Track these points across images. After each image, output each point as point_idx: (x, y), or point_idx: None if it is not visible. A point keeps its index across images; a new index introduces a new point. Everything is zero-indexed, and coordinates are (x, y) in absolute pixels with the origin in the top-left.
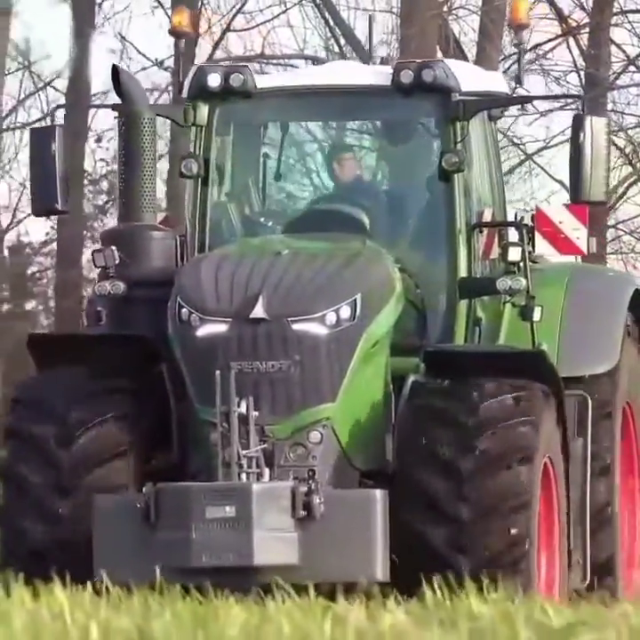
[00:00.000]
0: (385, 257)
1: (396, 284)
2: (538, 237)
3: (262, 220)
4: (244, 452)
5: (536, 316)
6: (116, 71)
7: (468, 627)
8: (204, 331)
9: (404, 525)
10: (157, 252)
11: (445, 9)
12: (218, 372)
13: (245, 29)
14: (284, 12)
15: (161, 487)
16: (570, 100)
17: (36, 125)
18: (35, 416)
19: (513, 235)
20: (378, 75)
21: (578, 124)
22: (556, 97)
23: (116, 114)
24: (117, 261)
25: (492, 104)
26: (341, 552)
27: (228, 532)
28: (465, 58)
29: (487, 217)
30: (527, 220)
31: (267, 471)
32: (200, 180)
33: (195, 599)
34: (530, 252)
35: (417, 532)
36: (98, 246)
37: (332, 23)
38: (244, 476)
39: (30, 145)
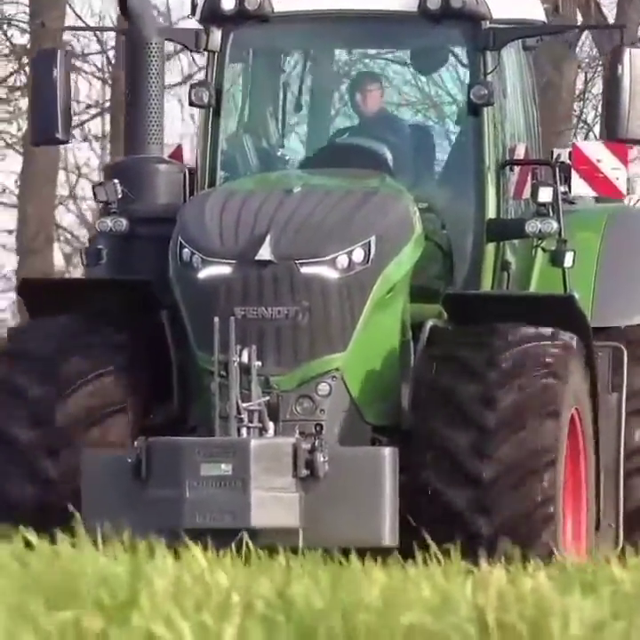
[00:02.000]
0: (405, 195)
1: (415, 224)
2: (574, 177)
3: (279, 154)
4: (244, 404)
5: (568, 261)
6: None
7: (609, 592)
8: (205, 273)
9: (420, 484)
10: (164, 186)
11: None
12: (216, 318)
13: None
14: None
15: (153, 441)
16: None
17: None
18: (24, 369)
19: (547, 174)
20: (404, 0)
21: (616, 57)
22: (595, 27)
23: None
24: (120, 196)
25: (526, 33)
26: (347, 514)
27: (224, 491)
28: (606, 20)
29: (520, 154)
30: (564, 158)
31: (271, 426)
32: (212, 110)
33: (336, 562)
34: (565, 193)
35: (434, 491)
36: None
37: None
38: (244, 430)
39: (31, 70)
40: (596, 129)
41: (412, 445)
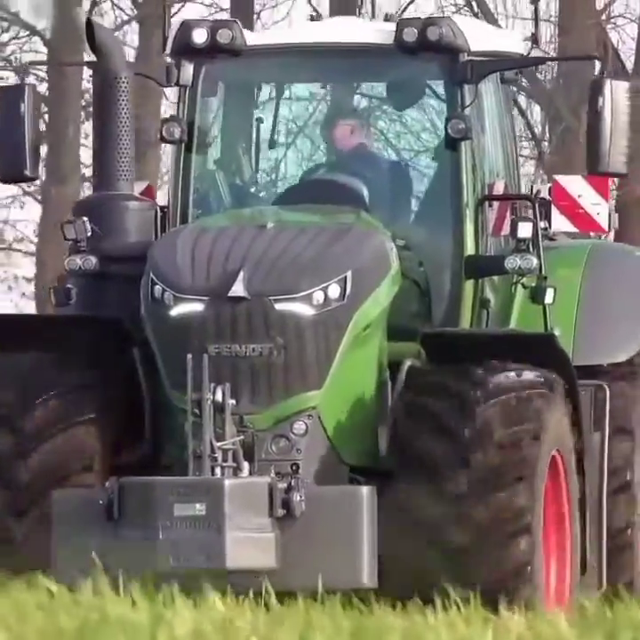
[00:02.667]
0: (381, 231)
1: (392, 260)
2: (555, 212)
3: (253, 190)
4: (218, 443)
5: (548, 298)
6: (90, 25)
7: (630, 637)
8: (178, 310)
9: (393, 546)
10: (134, 224)
11: (604, 17)
12: (189, 356)
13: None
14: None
15: (125, 481)
16: None
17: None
18: None
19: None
20: (380, 32)
21: (597, 89)
22: (573, 58)
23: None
24: (89, 234)
25: (504, 65)
26: (324, 555)
27: (199, 531)
28: (623, 67)
29: (499, 190)
30: (544, 194)
31: (246, 465)
32: (183, 145)
33: (355, 608)
34: (545, 229)
35: (410, 556)
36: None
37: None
38: (218, 470)
39: None
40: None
41: (387, 491)
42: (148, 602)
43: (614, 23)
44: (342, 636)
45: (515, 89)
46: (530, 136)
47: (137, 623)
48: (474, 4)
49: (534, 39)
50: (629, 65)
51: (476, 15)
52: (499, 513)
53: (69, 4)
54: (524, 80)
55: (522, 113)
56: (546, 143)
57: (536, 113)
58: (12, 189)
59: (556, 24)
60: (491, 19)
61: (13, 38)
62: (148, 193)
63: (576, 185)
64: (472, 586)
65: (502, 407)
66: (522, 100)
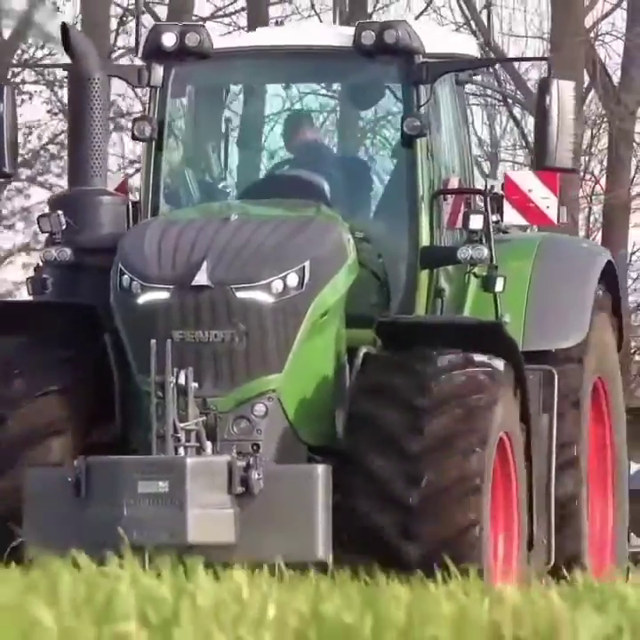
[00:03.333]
0: (339, 224)
1: (349, 251)
2: (507, 206)
3: (221, 186)
4: (181, 424)
5: (498, 286)
6: (65, 29)
7: (616, 607)
8: (144, 298)
9: (351, 507)
10: (107, 217)
11: (592, 35)
12: (153, 341)
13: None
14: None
15: (92, 461)
16: None
17: None
18: None
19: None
20: (340, 36)
21: (544, 88)
22: (523, 59)
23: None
24: (64, 227)
25: (458, 66)
26: (281, 530)
27: (161, 508)
28: (611, 81)
29: (454, 184)
30: (497, 189)
31: (209, 445)
32: (154, 143)
33: (362, 580)
34: (498, 222)
35: (363, 517)
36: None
37: (487, 48)
38: (181, 449)
39: None
40: (603, 181)
41: (344, 471)
42: (172, 574)
43: (602, 40)
44: (352, 605)
45: (510, 101)
46: (524, 144)
47: (161, 593)
48: (472, 22)
49: (487, 42)
50: (616, 79)
51: (474, 33)
52: (449, 475)
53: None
54: (518, 92)
55: (516, 123)
56: None
57: (530, 123)
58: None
59: (548, 41)
60: (487, 37)
61: (48, 54)
62: (123, 186)
63: (527, 180)
64: (423, 544)
65: (455, 382)
66: (517, 111)
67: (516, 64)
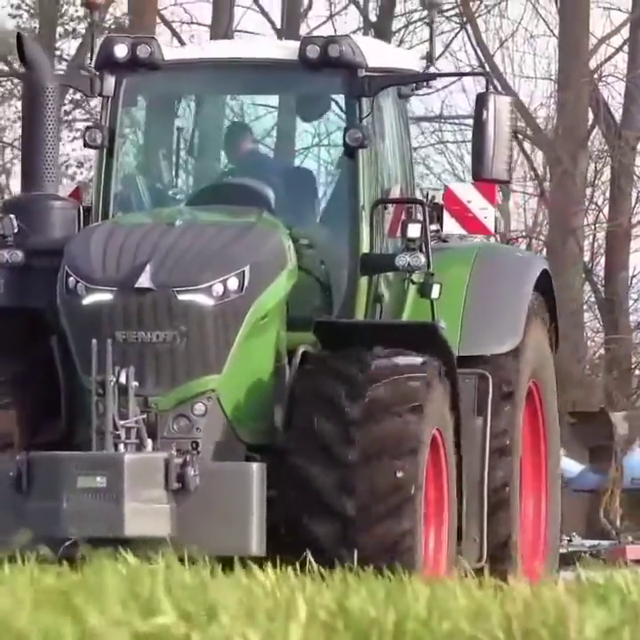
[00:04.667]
0: (280, 230)
1: (288, 257)
2: (446, 216)
3: (170, 192)
4: (122, 422)
5: (434, 293)
6: (20, 39)
7: (618, 601)
8: (89, 300)
9: (287, 507)
10: (58, 221)
11: (596, 76)
12: (94, 341)
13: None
14: (459, 78)
15: (33, 456)
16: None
17: None
18: None
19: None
20: (286, 49)
21: (481, 102)
22: (462, 74)
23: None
24: (16, 230)
25: (400, 80)
26: (216, 525)
27: (99, 502)
28: (613, 119)
29: (395, 194)
30: (438, 199)
31: (149, 443)
32: (105, 150)
33: (386, 577)
34: (437, 231)
35: (300, 525)
36: None
37: (499, 88)
38: (122, 446)
39: None
40: (605, 210)
41: (281, 469)
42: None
43: (605, 81)
44: (376, 600)
45: (520, 136)
46: (533, 176)
47: (196, 589)
48: (486, 65)
49: (429, 58)
50: (618, 117)
51: (487, 74)
52: (383, 485)
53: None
54: (528, 129)
55: (527, 157)
56: (547, 183)
57: (539, 157)
58: None
59: (555, 81)
60: (502, 81)
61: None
62: (76, 194)
63: (466, 191)
64: (359, 551)
65: (387, 387)
66: (527, 146)
67: (526, 102)
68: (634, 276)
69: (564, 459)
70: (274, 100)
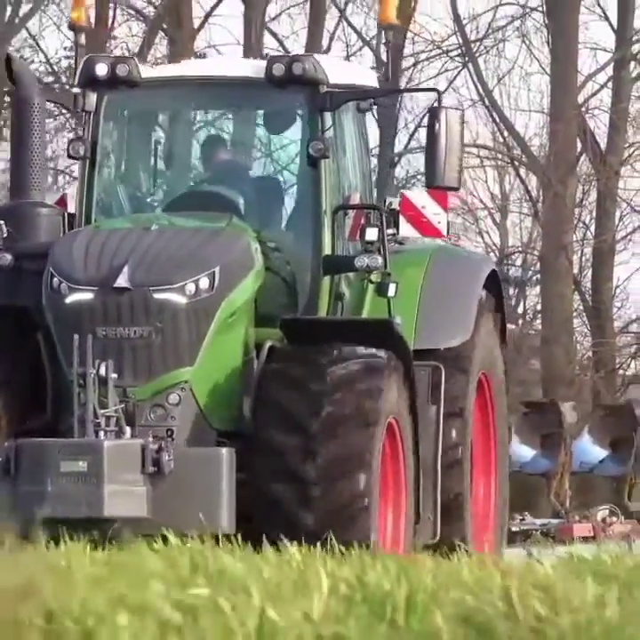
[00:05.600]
0: (248, 233)
1: (256, 259)
2: (402, 221)
3: (148, 200)
4: (102, 411)
5: (391, 292)
6: (8, 59)
7: (592, 571)
8: (71, 298)
9: (255, 482)
10: (44, 227)
11: (584, 109)
12: (76, 336)
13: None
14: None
15: (20, 443)
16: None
17: None
18: None
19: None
20: (254, 68)
21: (434, 115)
22: (415, 90)
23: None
24: (5, 235)
25: (358, 96)
26: (189, 505)
27: (81, 485)
28: (599, 147)
29: (355, 201)
30: (395, 205)
31: (128, 430)
32: (88, 161)
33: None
34: (394, 234)
35: (266, 489)
36: None
37: (497, 120)
38: (102, 433)
39: None
40: (592, 228)
41: (250, 452)
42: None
43: (592, 113)
44: (390, 574)
45: (516, 163)
46: (528, 198)
47: (234, 565)
48: (486, 99)
49: (386, 76)
50: (603, 145)
51: (488, 108)
52: (341, 451)
53: None
54: (523, 156)
55: (522, 181)
56: (540, 204)
57: (533, 181)
58: None
59: (547, 114)
60: (500, 114)
61: None
62: (61, 201)
63: (420, 197)
64: (317, 512)
65: (347, 370)
66: (522, 171)
67: (521, 132)
68: (617, 287)
69: (518, 445)
70: (243, 113)
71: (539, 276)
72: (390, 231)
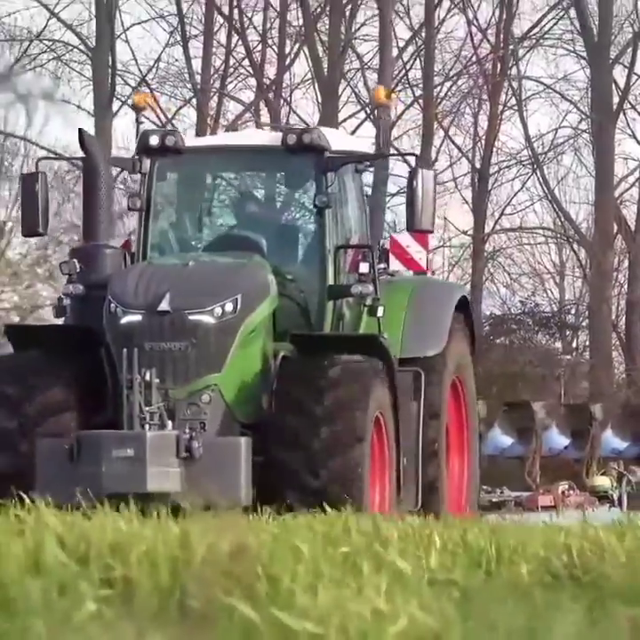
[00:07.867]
0: (266, 267)
1: (271, 288)
2: (392, 257)
3: (192, 242)
4: (147, 408)
5: (379, 312)
6: (81, 134)
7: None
8: (124, 319)
9: (271, 454)
10: (109, 263)
11: (619, 201)
12: (125, 350)
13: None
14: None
15: (82, 434)
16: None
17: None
18: (5, 383)
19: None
20: (272, 138)
21: (413, 175)
22: (399, 155)
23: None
24: (78, 270)
25: (352, 160)
26: (214, 482)
27: (129, 467)
28: (629, 228)
29: (354, 241)
30: (386, 245)
31: (169, 423)
32: (144, 212)
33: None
34: (385, 268)
35: (280, 459)
36: (66, 259)
37: (557, 210)
38: (147, 426)
39: (21, 186)
40: (625, 286)
41: (269, 433)
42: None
43: (625, 204)
44: (484, 534)
45: (571, 240)
46: (579, 265)
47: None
48: (548, 195)
49: (377, 144)
50: (633, 226)
51: (550, 201)
52: (341, 429)
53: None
54: (576, 235)
55: (575, 253)
56: (588, 270)
57: (582, 253)
58: None
59: (593, 205)
60: (560, 206)
61: None
62: (126, 245)
63: (405, 239)
64: (321, 478)
65: (343, 371)
66: (575, 246)
67: (574, 218)
68: None
69: (500, 435)
70: (264, 174)
71: (587, 320)
72: (381, 265)
